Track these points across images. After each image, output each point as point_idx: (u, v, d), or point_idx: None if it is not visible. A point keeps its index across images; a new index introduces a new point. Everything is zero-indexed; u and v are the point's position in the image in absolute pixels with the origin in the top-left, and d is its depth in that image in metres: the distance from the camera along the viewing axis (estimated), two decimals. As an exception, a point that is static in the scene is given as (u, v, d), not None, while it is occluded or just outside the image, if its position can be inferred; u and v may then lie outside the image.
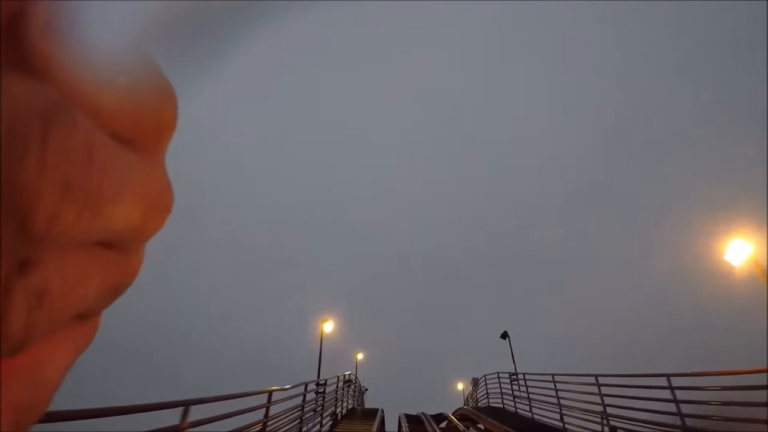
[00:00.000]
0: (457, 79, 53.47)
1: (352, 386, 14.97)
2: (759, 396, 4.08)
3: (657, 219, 45.21)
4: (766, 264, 6.18)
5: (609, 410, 6.48)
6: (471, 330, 49.92)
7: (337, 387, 10.42)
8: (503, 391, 13.11)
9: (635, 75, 48.60)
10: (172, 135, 0.13)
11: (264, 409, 4.59)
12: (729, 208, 38.26)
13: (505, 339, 14.21)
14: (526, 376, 11.01)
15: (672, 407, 5.01)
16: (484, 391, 15.02)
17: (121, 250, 0.13)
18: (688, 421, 4.85)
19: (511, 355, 13.94)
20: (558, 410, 8.71)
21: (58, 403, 0.13)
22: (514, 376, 12.28)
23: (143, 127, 0.12)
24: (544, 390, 9.77)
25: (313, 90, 52.31)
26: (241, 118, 50.39)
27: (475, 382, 17.84)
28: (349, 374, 13.23)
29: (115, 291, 0.14)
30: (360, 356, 21.01)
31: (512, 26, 50.00)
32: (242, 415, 4.00)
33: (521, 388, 11.94)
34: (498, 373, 13.50)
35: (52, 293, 0.11)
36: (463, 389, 25.56)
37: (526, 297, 50.23)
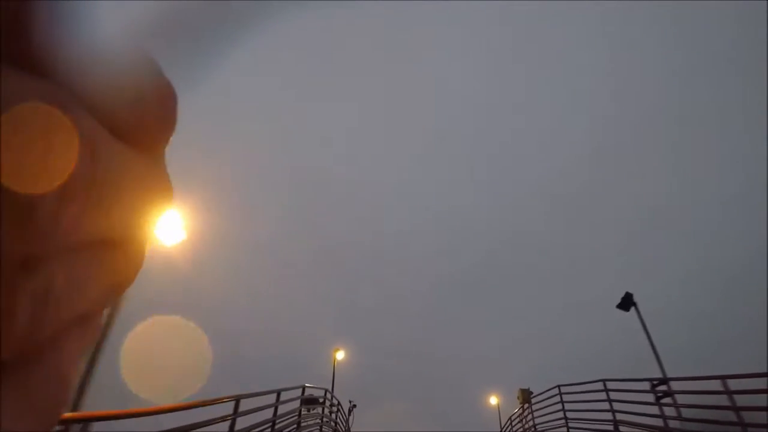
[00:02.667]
0: (457, 79, 50.90)
1: (321, 409, 8.27)
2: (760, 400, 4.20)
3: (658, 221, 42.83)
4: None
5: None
6: (490, 334, 43.78)
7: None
8: (619, 417, 6.43)
9: (635, 75, 46.61)
10: (173, 132, 0.13)
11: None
12: (730, 206, 36.18)
13: (627, 310, 7.58)
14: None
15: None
16: (560, 415, 8.33)
17: (123, 248, 0.13)
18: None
19: (652, 350, 7.07)
20: None
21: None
22: (664, 388, 5.63)
23: (145, 125, 0.12)
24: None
25: (314, 88, 49.43)
26: (242, 115, 46.87)
27: (527, 397, 11.09)
28: (302, 389, 6.46)
29: (118, 289, 0.13)
30: (340, 355, 14.01)
31: (514, 27, 48.01)
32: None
33: (681, 411, 5.32)
34: (604, 381, 6.78)
35: (57, 292, 0.10)
36: (499, 405, 18.58)
37: (539, 301, 44.70)
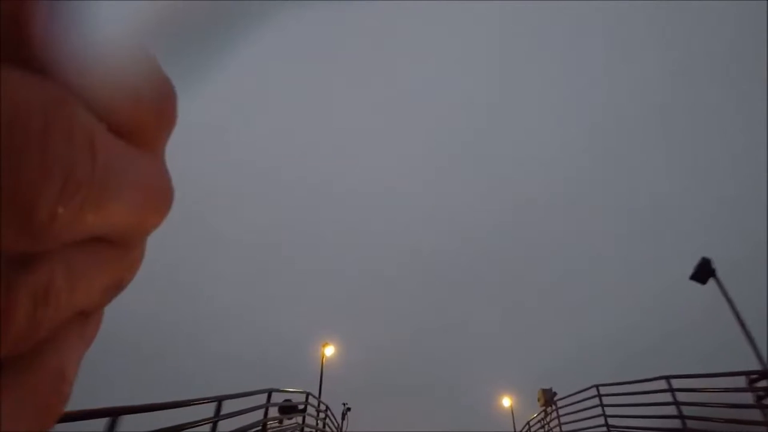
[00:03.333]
0: (456, 80, 50.33)
1: (302, 418, 6.63)
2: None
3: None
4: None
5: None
6: (498, 333, 42.52)
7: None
8: (691, 424, 4.82)
9: (634, 75, 46.57)
10: (172, 130, 0.13)
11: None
12: (730, 205, 35.88)
13: (704, 282, 5.83)
14: None
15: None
16: (600, 421, 6.71)
17: (122, 246, 0.13)
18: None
19: (743, 332, 5.21)
20: None
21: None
22: (766, 384, 4.05)
23: (143, 122, 0.12)
24: None
25: (315, 89, 49.17)
26: (243, 116, 46.39)
27: (549, 399, 9.48)
28: (268, 394, 4.81)
29: (117, 286, 0.13)
30: (329, 350, 12.33)
31: (512, 26, 47.73)
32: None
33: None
34: (667, 379, 5.16)
35: (57, 289, 0.10)
36: (512, 407, 16.85)
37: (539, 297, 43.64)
